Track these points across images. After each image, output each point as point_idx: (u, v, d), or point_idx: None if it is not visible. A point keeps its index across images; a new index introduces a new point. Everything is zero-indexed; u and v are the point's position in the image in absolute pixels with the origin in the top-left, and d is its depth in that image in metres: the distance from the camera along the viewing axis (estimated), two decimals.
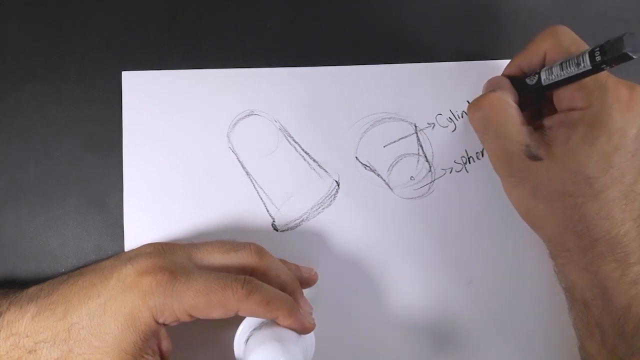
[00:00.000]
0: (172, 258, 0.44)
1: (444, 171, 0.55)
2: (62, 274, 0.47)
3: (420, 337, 0.54)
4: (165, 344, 0.45)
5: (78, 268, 0.50)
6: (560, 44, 0.46)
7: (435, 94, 0.56)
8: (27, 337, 0.42)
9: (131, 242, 0.53)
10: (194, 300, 0.41)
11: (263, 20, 0.56)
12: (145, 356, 0.42)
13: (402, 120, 0.55)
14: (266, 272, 0.46)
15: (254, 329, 0.44)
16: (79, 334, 0.42)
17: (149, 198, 0.53)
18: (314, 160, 0.55)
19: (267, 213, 0.54)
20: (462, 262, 0.55)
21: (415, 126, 0.55)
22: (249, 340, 0.44)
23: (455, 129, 0.56)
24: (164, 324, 0.43)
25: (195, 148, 0.54)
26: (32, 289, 0.46)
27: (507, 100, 0.48)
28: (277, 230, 0.54)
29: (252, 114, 0.54)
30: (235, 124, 0.54)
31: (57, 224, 0.53)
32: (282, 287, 0.46)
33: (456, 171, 0.55)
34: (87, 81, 0.54)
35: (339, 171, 0.55)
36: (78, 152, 0.54)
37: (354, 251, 0.54)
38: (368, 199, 0.55)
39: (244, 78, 0.54)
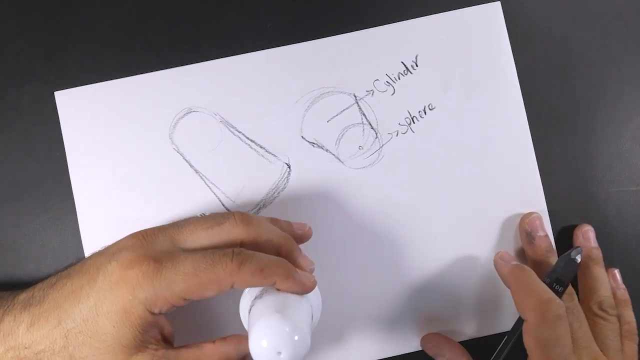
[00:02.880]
0: (154, 247, 0.43)
1: (390, 135, 0.55)
2: (51, 275, 0.47)
3: (391, 294, 0.55)
4: (167, 329, 0.44)
5: (66, 267, 0.49)
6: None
7: (369, 60, 0.55)
8: (26, 348, 0.42)
9: None
10: (185, 285, 0.40)
11: (264, 20, 0.56)
12: (149, 347, 0.42)
13: (341, 92, 0.55)
14: (256, 239, 0.45)
15: (255, 298, 0.43)
16: (77, 338, 0.41)
17: (103, 214, 0.54)
18: (261, 147, 0.55)
19: (223, 207, 0.54)
20: (425, 220, 0.55)
21: (355, 96, 0.55)
22: (251, 312, 0.43)
23: (394, 92, 0.55)
24: (160, 313, 0.42)
25: (141, 156, 0.54)
26: (23, 296, 0.45)
27: None
28: None
29: (190, 112, 0.55)
30: (175, 124, 0.55)
31: (57, 224, 0.54)
32: (277, 250, 0.46)
33: (402, 133, 0.55)
34: (87, 81, 0.55)
35: (288, 153, 0.55)
36: None
37: (316, 229, 0.54)
38: (321, 175, 0.55)
39: (177, 76, 0.55)
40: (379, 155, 0.55)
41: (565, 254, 0.51)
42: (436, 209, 0.55)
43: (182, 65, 0.55)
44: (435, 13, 0.56)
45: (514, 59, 0.56)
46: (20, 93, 0.55)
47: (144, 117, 0.55)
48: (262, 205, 0.54)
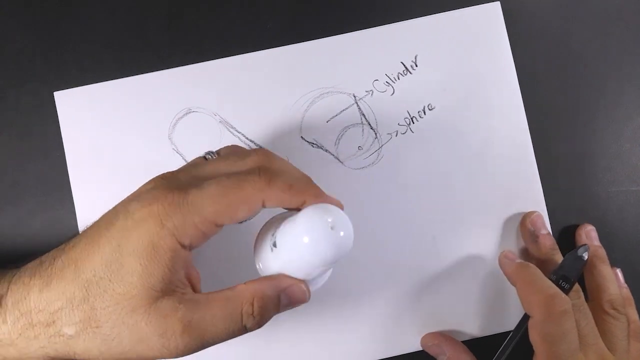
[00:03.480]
0: (177, 178, 0.40)
1: (389, 135, 0.55)
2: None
3: (391, 295, 0.55)
4: (194, 274, 0.41)
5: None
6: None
7: (368, 61, 0.55)
8: (40, 311, 0.38)
9: None
10: (214, 207, 0.38)
11: (264, 20, 0.56)
12: (177, 290, 0.38)
13: (340, 92, 0.55)
14: (279, 172, 0.41)
15: (276, 231, 0.41)
16: (98, 286, 0.37)
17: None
18: (261, 147, 0.55)
19: None
20: (423, 219, 0.55)
21: (354, 96, 0.55)
22: (276, 239, 0.40)
23: (393, 92, 0.55)
24: (190, 246, 0.39)
25: (140, 156, 0.54)
26: (31, 264, 0.41)
27: None
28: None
29: (190, 112, 0.55)
30: (174, 124, 0.55)
31: (57, 224, 0.54)
32: None
33: (401, 133, 0.55)
34: (87, 81, 0.55)
35: (287, 153, 0.55)
36: None
37: None
38: (320, 175, 0.53)
39: (176, 77, 0.55)
40: (378, 156, 0.55)
41: (572, 251, 0.51)
42: (436, 209, 0.55)
43: (182, 66, 0.55)
44: (434, 13, 0.56)
45: (514, 59, 0.56)
46: (20, 93, 0.55)
47: (143, 118, 0.55)
48: None
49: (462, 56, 0.56)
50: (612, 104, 0.57)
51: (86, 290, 0.38)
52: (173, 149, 0.54)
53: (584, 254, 0.50)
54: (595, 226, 0.56)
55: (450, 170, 0.55)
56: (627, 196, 0.56)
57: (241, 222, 0.42)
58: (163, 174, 0.41)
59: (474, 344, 0.54)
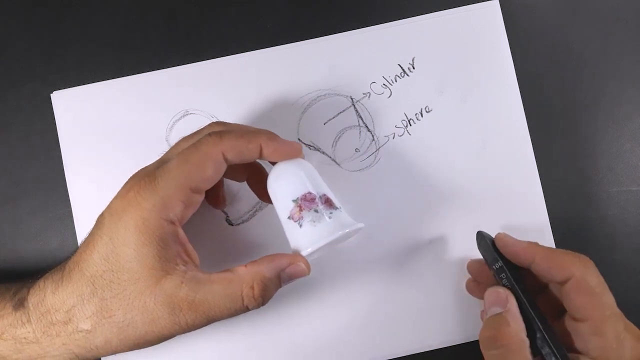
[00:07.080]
0: (146, 169, 0.44)
1: (387, 138, 0.55)
2: None
3: (387, 297, 0.54)
4: (192, 251, 0.44)
5: None
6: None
7: (366, 63, 0.55)
8: (57, 311, 0.42)
9: None
10: (181, 173, 0.42)
11: (264, 20, 0.57)
12: (177, 266, 0.42)
13: (338, 94, 0.55)
14: (231, 129, 0.46)
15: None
16: (102, 279, 0.41)
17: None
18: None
19: (219, 209, 0.54)
20: (421, 222, 0.55)
21: (352, 98, 0.55)
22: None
23: (390, 94, 0.55)
24: (177, 219, 0.42)
25: (137, 158, 0.54)
26: (47, 274, 0.45)
27: (524, 339, 0.43)
28: (232, 225, 0.54)
29: (187, 114, 0.55)
30: (172, 126, 0.55)
31: (56, 224, 0.55)
32: None
33: (399, 135, 0.55)
34: (87, 81, 0.55)
35: None
36: None
37: None
38: None
39: (173, 77, 0.55)
40: (375, 158, 0.55)
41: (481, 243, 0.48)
42: (433, 211, 0.55)
43: (181, 65, 0.55)
44: (432, 12, 0.56)
45: (513, 59, 0.56)
46: (20, 93, 0.55)
47: (140, 119, 0.55)
48: (258, 207, 0.54)
49: (460, 57, 0.55)
50: (612, 104, 0.57)
51: (93, 284, 0.41)
52: None
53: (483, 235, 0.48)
54: (595, 226, 0.56)
55: (448, 172, 0.55)
56: (627, 196, 0.56)
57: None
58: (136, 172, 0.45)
59: (471, 348, 0.54)
